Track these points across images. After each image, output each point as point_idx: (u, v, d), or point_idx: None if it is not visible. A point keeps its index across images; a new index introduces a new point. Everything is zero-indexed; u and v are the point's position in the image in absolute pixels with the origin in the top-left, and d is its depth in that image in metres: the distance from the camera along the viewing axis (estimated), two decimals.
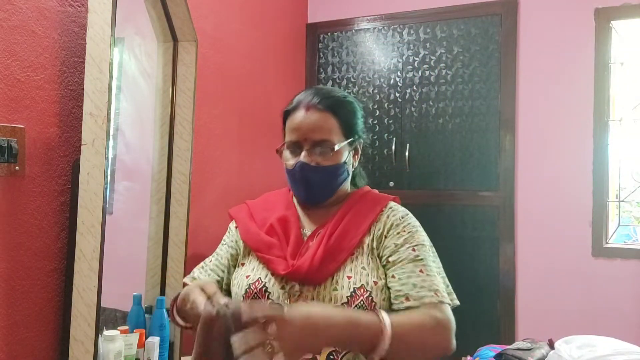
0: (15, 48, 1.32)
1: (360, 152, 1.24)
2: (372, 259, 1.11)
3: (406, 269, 1.07)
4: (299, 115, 1.14)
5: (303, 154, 1.13)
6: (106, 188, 1.38)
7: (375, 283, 1.07)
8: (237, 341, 0.79)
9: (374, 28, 2.91)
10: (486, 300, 2.63)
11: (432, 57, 2.78)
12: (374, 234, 1.13)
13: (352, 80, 2.95)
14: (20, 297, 1.36)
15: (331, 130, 1.14)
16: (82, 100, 1.38)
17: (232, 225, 1.26)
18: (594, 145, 2.47)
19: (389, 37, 2.88)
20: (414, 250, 1.09)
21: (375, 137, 2.88)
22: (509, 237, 2.60)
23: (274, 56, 2.72)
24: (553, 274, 2.53)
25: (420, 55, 2.80)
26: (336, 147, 1.13)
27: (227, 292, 1.19)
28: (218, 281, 1.19)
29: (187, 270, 1.79)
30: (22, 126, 1.34)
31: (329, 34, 3.02)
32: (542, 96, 2.58)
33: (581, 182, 2.49)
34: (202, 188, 2.10)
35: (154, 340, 1.59)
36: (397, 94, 2.84)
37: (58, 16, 1.44)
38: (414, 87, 2.81)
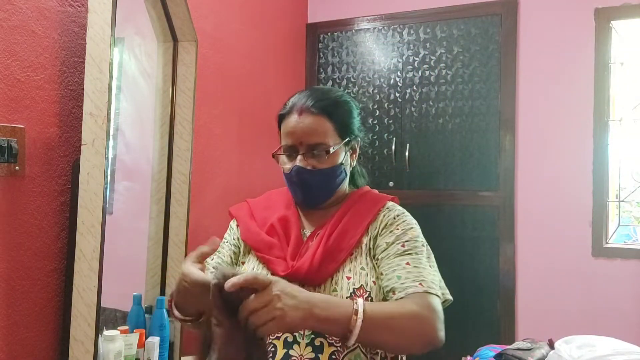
0: (15, 48, 1.32)
1: (358, 151, 1.24)
2: (370, 259, 1.11)
3: (392, 264, 1.07)
4: (293, 120, 1.13)
5: (299, 158, 1.13)
6: (106, 188, 1.38)
7: (375, 283, 1.07)
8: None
9: (374, 28, 2.91)
10: (486, 300, 2.63)
11: (432, 57, 2.78)
12: (370, 234, 1.14)
13: (352, 80, 2.95)
14: (20, 297, 1.36)
15: (326, 133, 1.13)
16: (82, 100, 1.38)
17: (233, 223, 1.26)
18: (594, 145, 2.47)
19: (389, 37, 2.88)
20: (403, 246, 1.09)
21: (375, 137, 2.88)
22: (509, 237, 2.60)
23: (274, 56, 2.72)
24: (553, 274, 2.53)
25: (420, 55, 2.80)
26: (331, 150, 1.13)
27: None
28: None
29: None
30: (22, 126, 1.34)
31: (329, 34, 3.01)
32: (542, 96, 2.58)
33: (581, 182, 2.49)
34: (202, 188, 2.10)
35: (154, 340, 1.59)
36: (397, 94, 2.84)
37: (58, 16, 1.44)
38: (414, 87, 2.81)
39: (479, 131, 2.68)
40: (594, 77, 2.48)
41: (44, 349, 1.42)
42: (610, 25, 2.47)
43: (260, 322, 0.81)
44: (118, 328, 1.50)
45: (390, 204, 1.20)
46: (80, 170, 1.38)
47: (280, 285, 0.84)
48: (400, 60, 2.84)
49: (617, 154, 2.50)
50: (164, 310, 1.65)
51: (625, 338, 1.30)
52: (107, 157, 1.38)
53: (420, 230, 1.16)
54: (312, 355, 1.02)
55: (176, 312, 0.99)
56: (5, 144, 1.28)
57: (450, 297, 1.10)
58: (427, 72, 2.79)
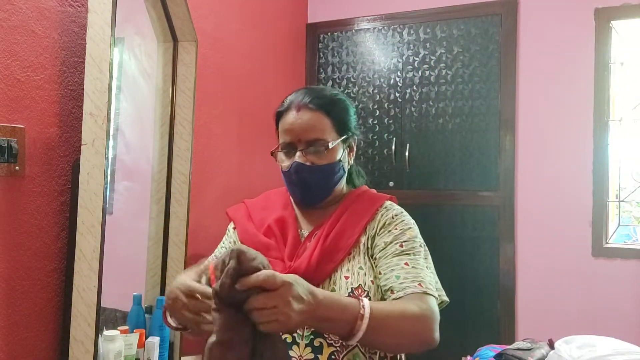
0: (15, 48, 1.32)
1: (355, 149, 1.24)
2: (368, 258, 1.11)
3: (390, 263, 1.07)
4: (291, 116, 1.14)
5: (297, 154, 1.12)
6: (106, 188, 1.38)
7: (373, 282, 1.07)
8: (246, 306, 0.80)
9: (374, 28, 2.91)
10: (486, 300, 2.63)
11: (432, 57, 2.78)
12: (369, 234, 1.13)
13: (352, 80, 2.95)
14: (20, 297, 1.36)
15: (324, 129, 1.13)
16: (82, 100, 1.38)
17: (231, 226, 1.26)
18: (594, 145, 2.47)
19: (389, 37, 2.88)
20: (401, 246, 1.09)
21: (375, 137, 2.88)
22: (509, 237, 2.60)
23: (274, 56, 2.72)
24: (553, 274, 2.53)
25: (420, 55, 2.80)
26: (330, 145, 1.13)
27: None
28: None
29: None
30: (22, 126, 1.34)
31: (329, 34, 3.01)
32: (542, 96, 2.58)
33: (581, 182, 2.49)
34: (202, 188, 2.10)
35: (154, 340, 1.59)
36: (397, 94, 2.84)
37: (58, 16, 1.44)
38: (414, 87, 2.81)
39: (479, 131, 2.68)
40: (594, 77, 2.48)
41: (44, 349, 1.42)
42: (610, 25, 2.47)
43: (263, 320, 0.80)
44: (118, 328, 1.50)
45: (388, 203, 1.20)
46: (80, 170, 1.38)
47: (291, 289, 0.81)
48: (400, 60, 2.84)
49: (617, 154, 2.50)
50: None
51: (625, 338, 1.29)
52: (107, 157, 1.38)
53: (418, 230, 1.15)
54: (312, 355, 1.02)
55: (170, 321, 1.00)
56: (5, 144, 1.28)
57: (446, 298, 1.10)
58: (427, 72, 2.79)
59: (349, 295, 1.04)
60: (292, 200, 1.24)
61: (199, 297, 0.89)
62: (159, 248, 1.82)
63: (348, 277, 1.07)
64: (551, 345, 1.33)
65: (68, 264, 1.45)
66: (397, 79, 2.85)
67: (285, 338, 1.04)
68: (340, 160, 1.17)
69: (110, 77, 1.37)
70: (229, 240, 1.23)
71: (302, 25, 3.04)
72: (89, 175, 1.37)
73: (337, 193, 1.20)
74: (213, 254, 1.25)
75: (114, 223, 1.59)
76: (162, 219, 1.82)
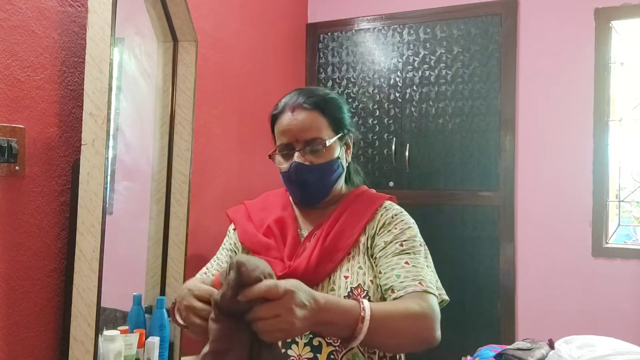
0: (15, 48, 1.32)
1: (352, 147, 1.24)
2: (367, 258, 1.11)
3: (391, 262, 1.07)
4: (287, 118, 1.14)
5: (296, 154, 1.13)
6: (106, 188, 1.38)
7: (372, 282, 1.07)
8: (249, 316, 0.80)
9: (374, 28, 2.91)
10: (486, 300, 2.63)
11: (432, 57, 2.78)
12: (368, 234, 1.14)
13: (352, 80, 2.95)
14: (20, 297, 1.36)
15: (320, 127, 1.14)
16: (82, 100, 1.38)
17: (231, 228, 1.26)
18: (594, 145, 2.47)
19: (389, 37, 2.88)
20: (401, 245, 1.09)
21: (375, 137, 2.88)
22: (509, 237, 2.60)
23: (274, 56, 2.72)
24: (553, 274, 2.53)
25: (420, 55, 2.80)
26: (327, 143, 1.13)
27: None
28: None
29: (187, 270, 1.79)
30: (22, 126, 1.34)
31: (329, 34, 3.01)
32: (542, 96, 2.58)
33: (581, 182, 2.49)
34: (202, 188, 2.10)
35: (154, 340, 1.59)
36: (397, 94, 2.84)
37: (58, 16, 1.44)
38: (414, 87, 2.81)
39: (479, 131, 2.68)
40: (594, 77, 2.48)
41: (44, 349, 1.42)
42: (610, 25, 2.47)
43: (266, 330, 0.79)
44: (118, 328, 1.49)
45: (387, 203, 1.20)
46: (80, 170, 1.37)
47: (293, 298, 0.80)
48: (400, 60, 2.84)
49: (617, 154, 2.50)
50: (164, 310, 1.65)
51: (625, 338, 1.29)
52: (107, 157, 1.38)
53: (418, 230, 1.16)
54: (311, 355, 1.03)
55: (178, 318, 0.99)
56: (5, 144, 1.28)
57: (446, 297, 1.10)
58: (427, 72, 2.79)
59: (349, 295, 1.04)
60: (291, 200, 1.24)
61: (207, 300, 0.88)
62: (159, 248, 1.82)
63: (347, 277, 1.07)
64: (551, 345, 1.33)
65: (68, 264, 1.45)
66: (397, 79, 2.85)
67: None
68: (338, 158, 1.17)
69: (110, 77, 1.37)
70: (230, 242, 1.24)
71: (302, 25, 3.04)
72: (89, 175, 1.37)
73: (336, 192, 1.21)
74: (215, 257, 1.25)
75: (114, 223, 1.59)
76: (162, 219, 1.82)
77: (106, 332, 1.42)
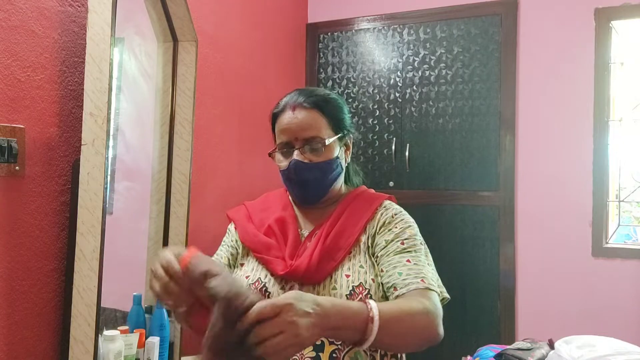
0: (15, 48, 1.32)
1: (351, 148, 1.25)
2: (368, 257, 1.12)
3: (392, 261, 1.08)
4: (287, 116, 1.16)
5: (295, 153, 1.14)
6: (106, 188, 1.38)
7: (373, 281, 1.08)
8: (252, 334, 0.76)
9: (374, 28, 2.91)
10: (486, 300, 2.63)
11: (432, 57, 2.78)
12: (369, 233, 1.14)
13: (352, 80, 2.95)
14: (20, 297, 1.36)
15: (320, 126, 1.15)
16: (82, 100, 1.38)
17: (231, 226, 1.26)
18: (594, 145, 2.47)
19: (389, 37, 2.88)
20: (402, 243, 1.10)
21: (375, 137, 2.88)
22: (509, 237, 2.60)
23: (274, 56, 2.72)
24: (553, 274, 2.53)
25: (420, 55, 2.80)
26: (327, 142, 1.14)
27: None
28: None
29: None
30: (22, 126, 1.34)
31: (329, 34, 3.01)
32: (542, 96, 2.58)
33: (581, 182, 2.49)
34: (202, 188, 2.10)
35: (154, 340, 1.59)
36: (397, 94, 2.84)
37: (58, 16, 1.44)
38: (414, 87, 2.81)
39: (479, 131, 2.68)
40: (594, 77, 2.48)
41: (44, 349, 1.42)
42: (610, 25, 2.47)
43: (275, 350, 0.76)
44: (118, 328, 1.50)
45: (387, 202, 1.21)
46: (80, 170, 1.37)
47: (292, 309, 0.78)
48: (400, 60, 2.84)
49: (617, 154, 2.50)
50: (164, 310, 1.65)
51: (625, 338, 1.30)
52: (107, 157, 1.38)
53: (417, 229, 1.16)
54: (313, 354, 1.03)
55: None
56: (5, 144, 1.28)
57: (447, 295, 1.10)
58: (427, 72, 2.79)
59: (350, 294, 1.05)
60: (291, 200, 1.24)
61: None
62: (159, 248, 1.82)
63: (349, 276, 1.08)
64: (551, 345, 1.33)
65: (68, 264, 1.45)
66: (397, 79, 2.85)
67: None
68: (337, 158, 1.18)
69: (110, 77, 1.37)
70: (231, 239, 1.24)
71: (302, 25, 3.04)
72: (89, 175, 1.37)
73: (335, 192, 1.21)
74: (215, 253, 1.25)
75: (114, 223, 1.59)
76: (162, 219, 1.82)
77: (106, 332, 1.42)
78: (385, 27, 2.89)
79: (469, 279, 2.65)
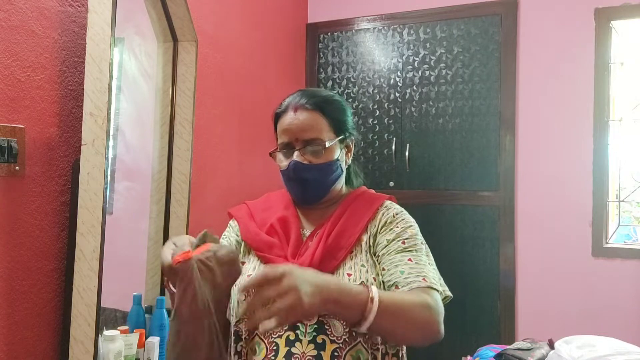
0: (15, 48, 1.32)
1: (352, 150, 1.26)
2: (370, 256, 1.13)
3: (394, 259, 1.09)
4: (289, 117, 1.16)
5: (295, 153, 1.15)
6: (106, 188, 1.38)
7: (375, 280, 1.09)
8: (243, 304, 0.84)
9: (374, 28, 2.91)
10: (486, 300, 2.63)
11: (432, 57, 2.78)
12: (370, 232, 1.15)
13: (352, 80, 2.95)
14: (20, 297, 1.36)
15: (321, 128, 1.16)
16: (82, 100, 1.38)
17: (233, 222, 1.27)
18: (594, 145, 2.47)
19: (389, 37, 2.88)
20: (403, 243, 1.11)
21: (375, 137, 2.88)
22: (509, 237, 2.60)
23: (274, 56, 2.72)
24: (553, 274, 2.53)
25: (420, 55, 2.80)
26: (327, 144, 1.15)
27: None
28: None
29: None
30: (22, 126, 1.34)
31: (329, 34, 3.01)
32: (542, 96, 2.58)
33: (581, 182, 2.49)
34: (202, 188, 2.10)
35: (154, 340, 1.59)
36: (397, 94, 2.84)
37: (58, 16, 1.44)
38: (414, 87, 2.81)
39: (479, 131, 2.68)
40: (594, 77, 2.48)
41: (44, 349, 1.42)
42: (610, 25, 2.47)
43: (278, 311, 0.82)
44: (118, 328, 1.50)
45: (388, 202, 1.22)
46: (80, 170, 1.37)
47: (295, 274, 0.85)
48: (400, 60, 2.84)
49: (617, 154, 2.50)
50: (164, 310, 1.65)
51: (625, 338, 1.30)
52: (107, 157, 1.38)
53: (418, 229, 1.17)
54: (315, 352, 1.03)
55: (171, 287, 1.00)
56: (5, 144, 1.28)
57: (449, 293, 1.11)
58: (427, 72, 2.79)
59: None
60: (292, 200, 1.25)
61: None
62: (159, 248, 1.81)
63: (351, 275, 1.08)
64: (551, 345, 1.33)
65: (68, 264, 1.45)
66: (397, 79, 2.85)
67: (288, 335, 1.05)
68: (337, 160, 1.19)
69: (110, 77, 1.37)
70: (232, 233, 1.25)
71: (302, 25, 3.04)
72: (89, 175, 1.37)
73: (335, 193, 1.22)
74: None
75: (114, 223, 1.59)
76: (162, 219, 1.82)
77: (106, 332, 1.42)
78: (385, 27, 2.89)
79: (469, 279, 2.65)
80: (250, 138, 2.46)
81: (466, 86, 2.70)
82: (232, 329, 1.12)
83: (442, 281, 1.12)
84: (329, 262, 1.09)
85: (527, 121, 2.60)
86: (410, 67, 2.82)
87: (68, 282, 1.42)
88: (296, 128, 1.14)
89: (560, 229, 2.52)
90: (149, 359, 1.56)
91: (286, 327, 1.05)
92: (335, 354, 1.03)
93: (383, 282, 1.08)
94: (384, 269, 1.09)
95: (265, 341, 1.06)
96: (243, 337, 1.10)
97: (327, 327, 1.04)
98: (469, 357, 1.50)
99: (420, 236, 1.15)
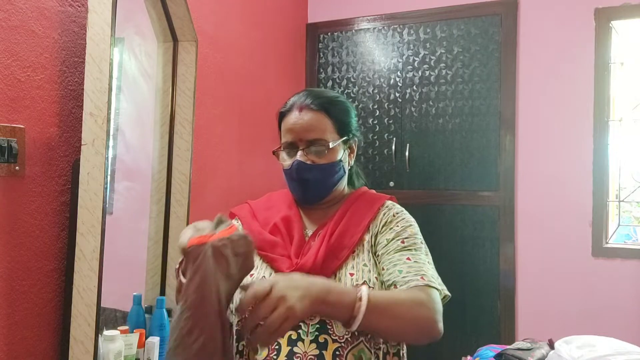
0: (15, 48, 1.32)
1: (355, 151, 1.26)
2: (372, 255, 1.13)
3: (393, 259, 1.09)
4: (293, 116, 1.17)
5: (299, 153, 1.15)
6: (106, 188, 1.38)
7: (377, 279, 1.09)
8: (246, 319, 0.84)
9: (374, 28, 2.92)
10: (486, 300, 2.63)
11: (432, 57, 2.78)
12: (372, 232, 1.16)
13: (352, 80, 2.95)
14: (20, 297, 1.36)
15: (325, 129, 1.16)
16: (82, 100, 1.38)
17: (235, 221, 1.27)
18: (594, 145, 2.48)
19: (389, 37, 2.88)
20: (402, 242, 1.11)
21: (375, 137, 2.88)
22: (509, 237, 2.60)
23: (274, 56, 2.72)
24: (553, 274, 2.53)
25: (420, 55, 2.80)
26: (331, 145, 1.15)
27: None
28: None
29: None
30: (22, 126, 1.34)
31: (329, 34, 3.01)
32: (542, 96, 2.58)
33: (581, 182, 2.49)
34: (202, 188, 2.10)
35: (154, 340, 1.59)
36: (397, 94, 2.84)
37: (58, 16, 1.44)
38: (414, 87, 2.81)
39: (479, 131, 2.68)
40: (594, 77, 2.48)
41: (44, 349, 1.42)
42: (610, 25, 2.47)
43: (274, 325, 0.82)
44: (118, 328, 1.50)
45: (389, 202, 1.22)
46: (80, 170, 1.37)
47: (281, 284, 0.85)
48: (400, 60, 2.84)
49: (617, 154, 2.50)
50: (164, 310, 1.65)
51: (625, 338, 1.30)
52: (107, 157, 1.38)
53: (418, 228, 1.18)
54: (317, 352, 1.03)
55: (182, 277, 1.00)
56: (5, 144, 1.28)
57: (448, 292, 1.11)
58: (427, 72, 2.79)
59: None
60: (294, 200, 1.25)
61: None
62: (159, 248, 1.82)
63: (353, 274, 1.09)
64: (551, 345, 1.33)
65: (68, 264, 1.45)
66: (397, 79, 2.85)
67: (290, 335, 1.05)
68: (340, 161, 1.19)
69: (110, 77, 1.37)
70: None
71: (302, 25, 3.04)
72: (89, 175, 1.37)
73: (337, 193, 1.23)
74: None
75: (114, 223, 1.59)
76: (162, 219, 1.82)
77: (106, 332, 1.42)
78: (385, 27, 2.89)
79: (469, 279, 2.65)
80: (250, 138, 2.46)
81: (466, 86, 2.70)
82: (234, 328, 1.12)
83: (440, 280, 1.12)
84: (331, 261, 1.10)
85: (527, 121, 2.60)
86: (410, 67, 2.82)
87: (68, 282, 1.42)
88: (300, 128, 1.15)
89: (560, 229, 2.52)
90: (149, 359, 1.56)
91: None
92: (337, 353, 1.03)
93: (383, 281, 1.09)
94: (383, 269, 1.09)
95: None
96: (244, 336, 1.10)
97: (329, 327, 1.04)
98: (469, 357, 1.50)
99: (420, 235, 1.16)
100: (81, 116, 1.39)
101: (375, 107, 2.89)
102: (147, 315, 1.66)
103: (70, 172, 1.47)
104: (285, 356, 1.04)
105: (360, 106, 2.92)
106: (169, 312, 1.69)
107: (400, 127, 2.83)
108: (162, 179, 1.83)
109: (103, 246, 1.36)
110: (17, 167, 1.32)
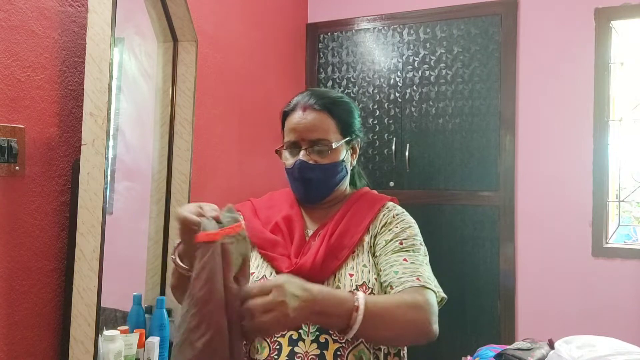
0: (15, 48, 1.32)
1: (358, 151, 1.27)
2: (372, 256, 1.14)
3: (390, 260, 1.09)
4: (297, 116, 1.17)
5: (302, 153, 1.16)
6: (106, 188, 1.38)
7: (376, 280, 1.09)
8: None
9: (374, 28, 2.92)
10: (486, 300, 2.63)
11: (432, 57, 2.78)
12: (371, 233, 1.16)
13: (352, 80, 2.95)
14: (20, 297, 1.36)
15: (328, 129, 1.16)
16: (82, 100, 1.38)
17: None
18: (594, 145, 2.47)
19: (389, 37, 2.88)
20: (401, 243, 1.12)
21: (375, 137, 2.88)
22: (509, 237, 2.60)
23: (274, 56, 2.72)
24: (553, 274, 2.53)
25: (420, 55, 2.80)
26: (334, 145, 1.16)
27: None
28: None
29: None
30: (22, 126, 1.34)
31: (329, 34, 3.01)
32: (542, 96, 2.58)
33: (581, 182, 2.49)
34: (202, 188, 2.10)
35: (154, 340, 1.59)
36: (397, 94, 2.84)
37: (58, 16, 1.44)
38: (414, 87, 2.81)
39: (479, 131, 2.68)
40: (594, 77, 2.48)
41: (44, 349, 1.42)
42: (610, 25, 2.47)
43: (266, 325, 0.83)
44: (118, 328, 1.50)
45: (390, 204, 1.23)
46: (80, 170, 1.37)
47: (284, 289, 0.85)
48: (400, 60, 2.84)
49: (617, 154, 2.50)
50: (164, 310, 1.65)
51: (625, 338, 1.30)
52: (107, 157, 1.38)
53: (418, 230, 1.18)
54: (317, 352, 1.03)
55: (179, 262, 1.00)
56: (5, 144, 1.28)
57: (444, 295, 1.11)
58: (427, 72, 2.79)
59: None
60: (296, 199, 1.25)
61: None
62: (159, 248, 1.82)
63: (352, 275, 1.09)
64: (551, 345, 1.33)
65: (68, 264, 1.45)
66: (397, 79, 2.85)
67: (291, 334, 1.06)
68: (343, 161, 1.19)
69: (110, 77, 1.37)
70: None
71: (302, 25, 3.04)
72: (89, 175, 1.37)
73: (339, 193, 1.23)
74: None
75: (114, 223, 1.59)
76: (162, 219, 1.82)
77: (106, 332, 1.42)
78: (385, 27, 2.89)
79: (469, 279, 2.65)
80: (250, 138, 2.46)
81: (466, 86, 2.70)
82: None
83: (436, 282, 1.12)
84: (331, 261, 1.10)
85: (527, 121, 2.60)
86: (410, 67, 2.82)
87: (68, 282, 1.42)
88: (303, 128, 1.15)
89: (560, 229, 2.52)
90: (149, 359, 1.56)
91: None
92: (338, 353, 1.04)
93: (380, 282, 1.09)
94: (380, 270, 1.09)
95: (268, 340, 1.06)
96: None
97: None
98: (469, 357, 1.50)
99: (419, 237, 1.16)
100: (81, 116, 1.39)
101: (375, 107, 2.89)
102: (147, 315, 1.66)
103: (70, 172, 1.47)
104: (286, 356, 1.04)
105: (360, 106, 2.92)
106: (169, 312, 1.69)
107: (400, 127, 2.83)
108: (162, 179, 1.83)
109: (103, 246, 1.36)
110: (17, 167, 1.32)
